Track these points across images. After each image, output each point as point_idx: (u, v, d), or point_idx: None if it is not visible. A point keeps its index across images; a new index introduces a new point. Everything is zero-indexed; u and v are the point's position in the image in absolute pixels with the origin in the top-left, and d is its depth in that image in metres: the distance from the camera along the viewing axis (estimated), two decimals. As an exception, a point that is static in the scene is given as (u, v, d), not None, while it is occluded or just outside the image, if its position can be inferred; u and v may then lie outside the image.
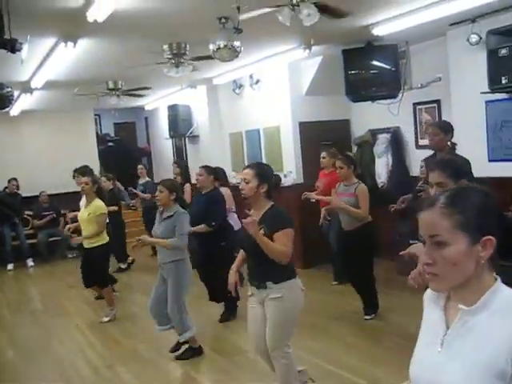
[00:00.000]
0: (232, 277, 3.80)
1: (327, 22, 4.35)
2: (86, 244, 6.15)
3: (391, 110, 7.16)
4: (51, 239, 10.54)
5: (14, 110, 9.54)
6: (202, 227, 5.70)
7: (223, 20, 4.79)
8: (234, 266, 3.87)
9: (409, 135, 7.51)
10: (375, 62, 6.70)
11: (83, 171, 6.90)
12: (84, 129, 11.92)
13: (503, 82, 5.32)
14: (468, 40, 5.76)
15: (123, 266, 9.04)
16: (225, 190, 6.56)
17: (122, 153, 13.49)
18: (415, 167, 7.08)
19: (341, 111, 8.21)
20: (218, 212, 5.86)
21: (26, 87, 7.52)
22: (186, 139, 11.25)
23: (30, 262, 10.17)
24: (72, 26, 4.65)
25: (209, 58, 5.26)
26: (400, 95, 6.95)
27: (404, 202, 5.74)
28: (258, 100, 8.76)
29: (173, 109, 10.84)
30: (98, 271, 6.26)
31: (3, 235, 10.04)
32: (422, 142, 7.18)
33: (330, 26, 5.35)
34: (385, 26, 5.65)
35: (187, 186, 7.79)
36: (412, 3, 5.06)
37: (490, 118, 5.90)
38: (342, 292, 6.75)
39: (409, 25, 5.50)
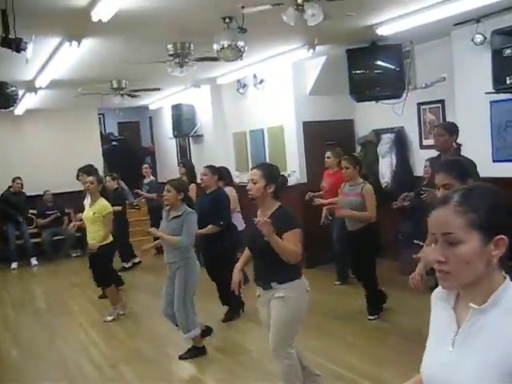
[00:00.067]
0: (236, 275, 3.79)
1: (331, 21, 4.35)
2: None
3: (395, 109, 7.16)
4: (55, 238, 10.56)
5: (19, 109, 9.57)
6: (210, 227, 5.69)
7: (227, 20, 4.80)
8: (238, 265, 3.87)
9: (413, 135, 7.50)
10: (379, 62, 6.70)
11: (88, 170, 6.91)
12: (88, 128, 11.94)
13: (508, 82, 5.31)
14: (472, 40, 5.75)
15: (127, 265, 9.05)
16: (229, 190, 6.56)
17: (126, 152, 13.52)
18: (419, 167, 7.07)
19: (345, 111, 8.21)
20: (224, 211, 5.86)
21: (30, 86, 7.55)
22: (190, 139, 11.25)
23: (33, 261, 10.20)
24: (77, 25, 4.67)
25: (214, 59, 5.27)
26: (404, 95, 6.94)
27: (406, 198, 5.73)
28: (261, 100, 8.76)
29: (177, 108, 10.85)
30: (101, 270, 6.27)
31: (7, 234, 10.08)
32: (426, 142, 7.17)
33: (334, 26, 5.35)
34: (389, 25, 5.64)
35: (192, 186, 7.79)
36: (416, 3, 5.05)
37: (494, 118, 5.89)
38: (345, 292, 6.76)
39: (413, 24, 5.49)
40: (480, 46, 5.72)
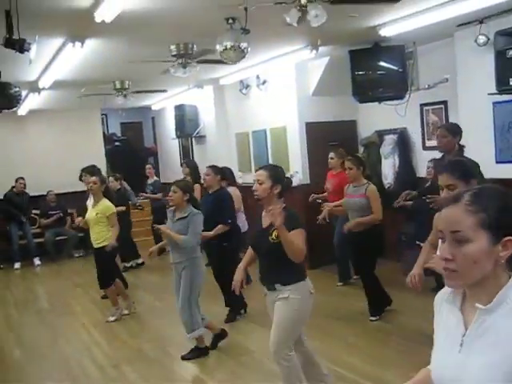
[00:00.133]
0: (238, 274, 3.78)
1: (334, 22, 4.35)
2: (95, 244, 6.19)
3: (398, 110, 7.15)
4: (58, 238, 10.59)
5: (22, 110, 9.58)
6: (220, 227, 5.69)
7: (231, 21, 4.81)
8: (241, 264, 3.87)
9: (416, 136, 7.49)
10: (382, 63, 6.69)
11: (91, 171, 6.93)
12: (91, 128, 11.95)
13: (511, 83, 5.30)
14: (476, 41, 5.74)
15: (128, 264, 9.05)
16: (233, 190, 6.56)
17: (129, 152, 13.53)
18: (422, 168, 7.06)
19: (347, 112, 8.20)
20: (228, 210, 5.86)
21: (33, 87, 7.56)
22: (193, 139, 11.26)
23: (36, 261, 10.23)
24: (80, 26, 4.67)
25: (218, 62, 5.26)
26: (407, 96, 6.93)
27: (407, 196, 5.71)
28: (264, 100, 8.76)
29: (179, 109, 10.86)
30: (103, 270, 6.27)
31: (10, 234, 10.11)
32: (428, 143, 7.16)
33: (337, 27, 5.36)
34: (392, 26, 5.64)
35: (197, 186, 7.79)
36: (419, 4, 5.05)
37: (497, 120, 5.88)
38: (347, 293, 6.75)
39: (416, 26, 5.48)
40: (483, 47, 5.72)
